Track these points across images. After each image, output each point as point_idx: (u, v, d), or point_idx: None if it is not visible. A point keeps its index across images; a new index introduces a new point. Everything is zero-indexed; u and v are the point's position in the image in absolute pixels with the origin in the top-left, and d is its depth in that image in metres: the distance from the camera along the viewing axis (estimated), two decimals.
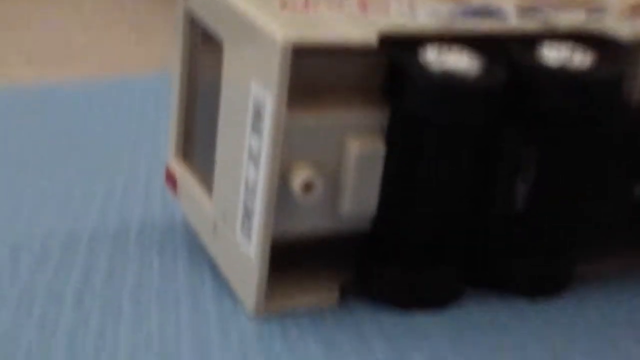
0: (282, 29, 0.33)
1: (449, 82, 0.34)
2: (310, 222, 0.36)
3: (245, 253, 0.36)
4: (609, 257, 0.43)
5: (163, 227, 0.46)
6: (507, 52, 0.37)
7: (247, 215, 0.35)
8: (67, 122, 0.69)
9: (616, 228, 0.44)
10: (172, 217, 0.47)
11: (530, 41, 0.38)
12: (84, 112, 0.73)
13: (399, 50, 0.35)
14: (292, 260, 0.41)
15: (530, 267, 0.38)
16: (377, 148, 0.35)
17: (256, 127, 0.34)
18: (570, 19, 0.39)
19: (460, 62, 0.35)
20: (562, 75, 0.35)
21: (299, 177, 0.34)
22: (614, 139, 0.38)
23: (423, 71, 0.34)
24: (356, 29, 0.35)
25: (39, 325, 0.35)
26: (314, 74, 0.35)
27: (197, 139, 0.43)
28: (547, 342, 0.35)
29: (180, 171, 0.44)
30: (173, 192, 0.44)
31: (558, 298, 0.39)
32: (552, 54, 0.36)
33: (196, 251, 0.43)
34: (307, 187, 0.34)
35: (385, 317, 0.37)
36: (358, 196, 0.36)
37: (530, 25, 0.38)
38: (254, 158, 0.34)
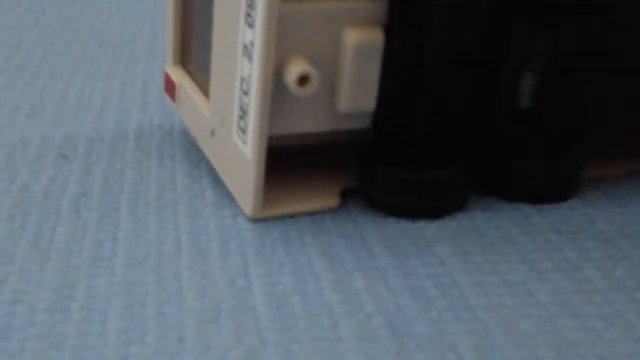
0: None
1: None
2: (308, 120, 0.35)
3: (242, 154, 0.35)
4: (616, 161, 0.42)
5: (161, 134, 0.45)
6: None
7: (243, 113, 0.34)
8: (62, 21, 0.67)
9: (627, 130, 0.43)
10: (171, 123, 0.46)
11: None
12: (81, 11, 0.71)
13: None
14: (292, 165, 0.40)
15: (536, 170, 0.37)
16: (376, 38, 0.34)
17: (249, 19, 0.33)
18: None
19: None
20: None
21: (294, 70, 0.33)
22: (632, 33, 0.37)
23: None
24: None
25: (35, 234, 0.34)
26: None
27: (195, 44, 0.41)
28: (555, 253, 0.35)
29: (179, 78, 0.42)
30: (172, 100, 0.43)
31: (565, 204, 0.39)
32: None
33: (195, 159, 0.42)
34: (303, 80, 0.33)
35: (387, 224, 0.36)
36: (356, 91, 0.34)
37: None
38: (248, 53, 0.33)
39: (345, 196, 0.38)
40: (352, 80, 0.34)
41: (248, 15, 0.33)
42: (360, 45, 0.33)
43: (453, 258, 0.34)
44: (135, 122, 0.46)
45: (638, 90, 0.38)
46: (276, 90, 0.34)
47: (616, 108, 0.39)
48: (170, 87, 0.43)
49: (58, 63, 0.56)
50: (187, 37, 0.42)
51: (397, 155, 0.36)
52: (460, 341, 0.29)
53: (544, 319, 0.30)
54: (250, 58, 0.33)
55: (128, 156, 0.42)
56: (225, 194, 0.38)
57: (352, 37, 0.33)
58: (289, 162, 0.40)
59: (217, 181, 0.39)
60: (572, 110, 0.36)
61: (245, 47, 0.33)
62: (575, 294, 0.32)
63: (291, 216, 0.36)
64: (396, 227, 0.36)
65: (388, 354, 0.28)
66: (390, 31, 0.34)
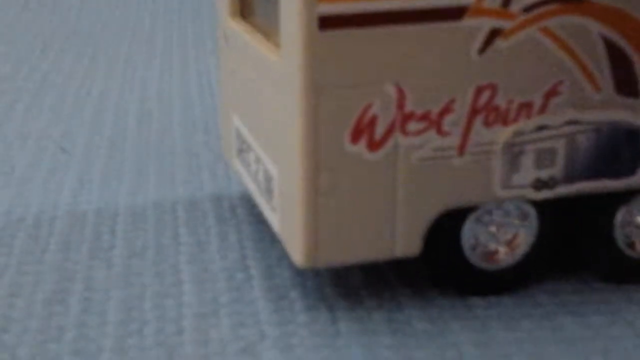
0: None
1: None
2: None
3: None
4: None
5: (160, 127, 0.45)
6: None
7: None
8: (61, 16, 0.67)
9: None
10: (169, 120, 0.46)
11: None
12: (79, 8, 0.71)
13: None
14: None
15: None
16: None
17: None
18: None
19: None
20: None
21: None
22: None
23: None
24: None
25: (34, 227, 0.34)
26: None
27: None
28: None
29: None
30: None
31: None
32: None
33: (194, 157, 0.42)
34: None
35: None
36: None
37: None
38: None
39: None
40: None
41: None
42: None
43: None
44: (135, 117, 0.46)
45: None
46: None
47: None
48: None
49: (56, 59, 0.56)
50: None
51: None
52: None
53: None
54: None
55: (127, 150, 0.42)
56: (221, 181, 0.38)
57: None
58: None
59: (215, 170, 0.39)
60: None
61: None
62: None
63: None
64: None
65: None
66: None
